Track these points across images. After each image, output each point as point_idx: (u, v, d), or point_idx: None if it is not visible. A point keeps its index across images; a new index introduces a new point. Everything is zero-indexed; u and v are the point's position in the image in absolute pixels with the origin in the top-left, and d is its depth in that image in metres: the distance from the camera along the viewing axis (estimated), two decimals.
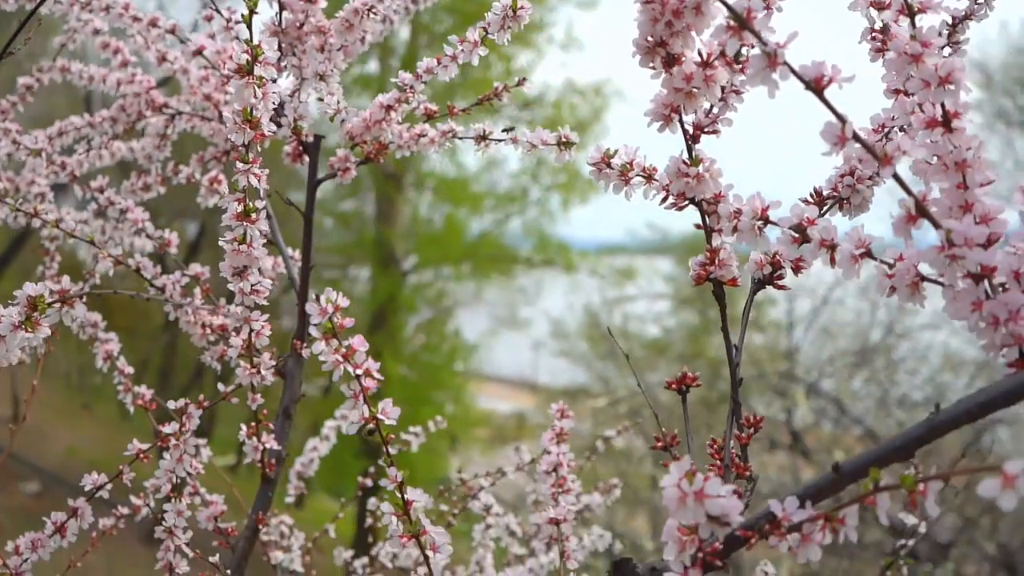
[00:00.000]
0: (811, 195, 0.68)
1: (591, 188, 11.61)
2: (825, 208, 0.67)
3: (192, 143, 1.28)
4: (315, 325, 0.59)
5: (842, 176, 0.67)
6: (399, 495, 0.64)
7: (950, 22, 0.70)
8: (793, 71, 0.49)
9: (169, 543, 0.92)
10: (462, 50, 0.86)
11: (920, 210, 0.50)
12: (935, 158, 0.53)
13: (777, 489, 6.63)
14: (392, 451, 0.65)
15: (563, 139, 0.83)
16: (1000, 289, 0.51)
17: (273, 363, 0.90)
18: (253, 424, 0.95)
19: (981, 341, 0.51)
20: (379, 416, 0.62)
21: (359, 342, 0.61)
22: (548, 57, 10.48)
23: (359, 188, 11.68)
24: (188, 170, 1.17)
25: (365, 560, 1.43)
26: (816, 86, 0.50)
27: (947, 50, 0.70)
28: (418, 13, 1.11)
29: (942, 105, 0.52)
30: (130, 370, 1.09)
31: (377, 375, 0.61)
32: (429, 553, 0.63)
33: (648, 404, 0.89)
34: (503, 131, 0.90)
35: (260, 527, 0.98)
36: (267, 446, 0.96)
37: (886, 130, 0.68)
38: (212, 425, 7.78)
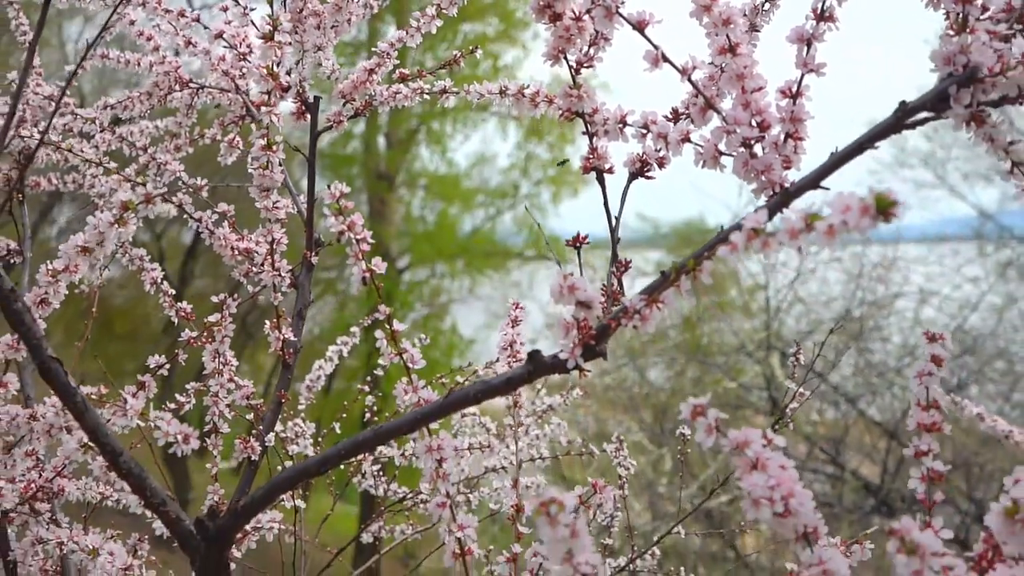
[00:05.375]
0: (671, 112, 0.96)
1: (580, 181, 11.88)
2: (681, 121, 0.95)
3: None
4: (327, 205, 0.87)
5: (690, 97, 0.95)
6: (388, 327, 0.92)
7: None
8: (624, 18, 0.78)
9: (214, 408, 1.20)
10: (423, 22, 1.15)
11: (708, 104, 0.79)
12: (724, 72, 0.81)
13: None
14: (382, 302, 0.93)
15: (503, 88, 1.11)
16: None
17: (290, 268, 1.18)
18: (275, 319, 1.23)
19: (751, 186, 0.79)
20: (373, 267, 0.90)
21: (358, 218, 0.89)
22: (535, 53, 10.75)
23: (352, 189, 11.95)
24: (212, 132, 1.45)
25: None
26: (640, 27, 0.78)
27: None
28: (406, 12, 1.39)
29: (728, 37, 0.81)
30: (172, 291, 1.37)
31: (369, 240, 0.89)
32: (410, 364, 0.92)
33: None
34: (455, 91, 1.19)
35: (282, 401, 1.26)
36: (286, 337, 1.24)
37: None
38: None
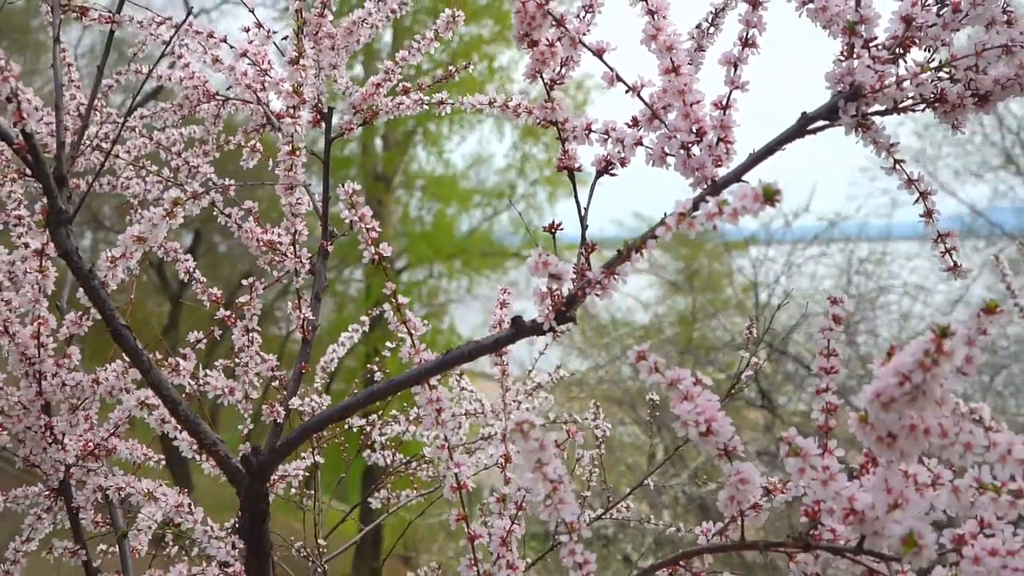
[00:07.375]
0: (631, 119, 1.14)
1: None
2: (639, 128, 1.14)
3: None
4: (341, 200, 1.06)
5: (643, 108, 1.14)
6: (394, 300, 1.11)
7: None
8: (585, 45, 0.96)
9: (244, 378, 1.39)
10: (423, 43, 1.34)
11: (654, 115, 0.97)
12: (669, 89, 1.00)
13: (749, 440, 7.13)
14: (390, 278, 1.11)
15: (492, 100, 1.30)
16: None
17: (310, 255, 1.37)
18: (296, 300, 1.42)
19: (689, 181, 0.98)
20: (380, 251, 1.08)
21: (368, 210, 1.08)
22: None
23: None
24: (236, 139, 1.64)
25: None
26: (598, 53, 0.97)
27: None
28: (400, 20, 1.58)
29: (671, 59, 0.99)
30: (203, 280, 1.56)
31: (377, 228, 1.08)
32: (413, 331, 1.10)
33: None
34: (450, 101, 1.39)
35: (303, 372, 1.44)
36: (306, 316, 1.43)
37: None
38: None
